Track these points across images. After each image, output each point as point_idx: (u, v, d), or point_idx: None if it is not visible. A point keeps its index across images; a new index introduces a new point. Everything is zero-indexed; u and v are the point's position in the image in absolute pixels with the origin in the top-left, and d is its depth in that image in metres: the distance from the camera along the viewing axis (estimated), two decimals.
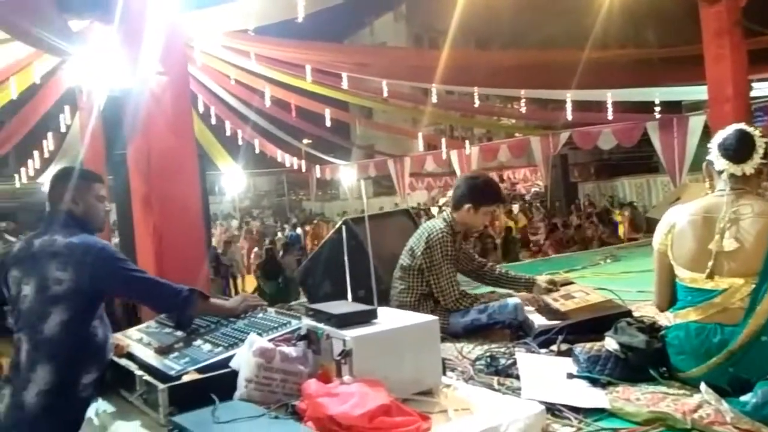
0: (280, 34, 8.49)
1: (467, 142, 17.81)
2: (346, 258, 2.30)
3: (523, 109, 12.18)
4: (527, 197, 21.30)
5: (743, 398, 1.91)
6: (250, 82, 11.26)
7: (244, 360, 1.93)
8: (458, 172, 15.74)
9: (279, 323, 2.24)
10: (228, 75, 10.79)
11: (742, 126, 2.21)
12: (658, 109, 11.23)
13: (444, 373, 2.12)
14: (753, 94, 7.50)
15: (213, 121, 13.81)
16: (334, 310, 2.02)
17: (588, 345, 2.28)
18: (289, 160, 19.41)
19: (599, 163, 22.78)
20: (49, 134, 13.28)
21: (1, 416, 2.21)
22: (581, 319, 2.77)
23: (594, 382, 2.15)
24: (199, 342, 2.23)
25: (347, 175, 21.92)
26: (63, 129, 12.46)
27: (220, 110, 13.68)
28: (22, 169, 16.19)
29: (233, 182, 21.70)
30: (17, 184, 17.57)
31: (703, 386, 2.00)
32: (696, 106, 12.27)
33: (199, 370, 1.99)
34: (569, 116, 11.52)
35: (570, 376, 2.19)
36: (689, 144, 11.48)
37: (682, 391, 2.07)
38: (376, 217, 4.28)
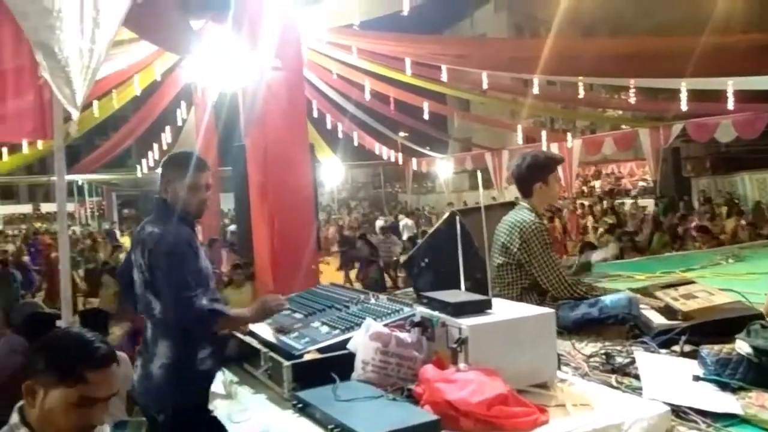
0: (380, 28, 8.60)
1: (569, 134, 17.17)
2: (459, 248, 2.31)
3: (632, 100, 11.54)
4: (633, 193, 20.21)
5: None
6: (351, 76, 11.50)
7: (361, 343, 2.00)
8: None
9: (392, 310, 2.29)
10: (330, 69, 11.09)
11: None
12: None
13: (558, 368, 2.09)
14: None
15: (315, 114, 14.25)
16: (450, 298, 2.04)
17: (716, 347, 2.15)
18: (386, 153, 19.66)
19: (716, 157, 21.01)
20: (167, 128, 14.27)
21: (135, 383, 2.45)
22: (705, 320, 2.61)
23: (723, 387, 2.02)
24: (316, 324, 2.33)
25: (443, 168, 21.84)
26: (179, 123, 13.38)
27: (321, 104, 14.10)
28: (143, 161, 17.52)
29: (332, 174, 22.27)
30: (139, 174, 19.01)
31: None
32: None
33: (319, 350, 2.08)
34: (684, 106, 10.78)
35: (696, 378, 2.08)
36: None
37: None
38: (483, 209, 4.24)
